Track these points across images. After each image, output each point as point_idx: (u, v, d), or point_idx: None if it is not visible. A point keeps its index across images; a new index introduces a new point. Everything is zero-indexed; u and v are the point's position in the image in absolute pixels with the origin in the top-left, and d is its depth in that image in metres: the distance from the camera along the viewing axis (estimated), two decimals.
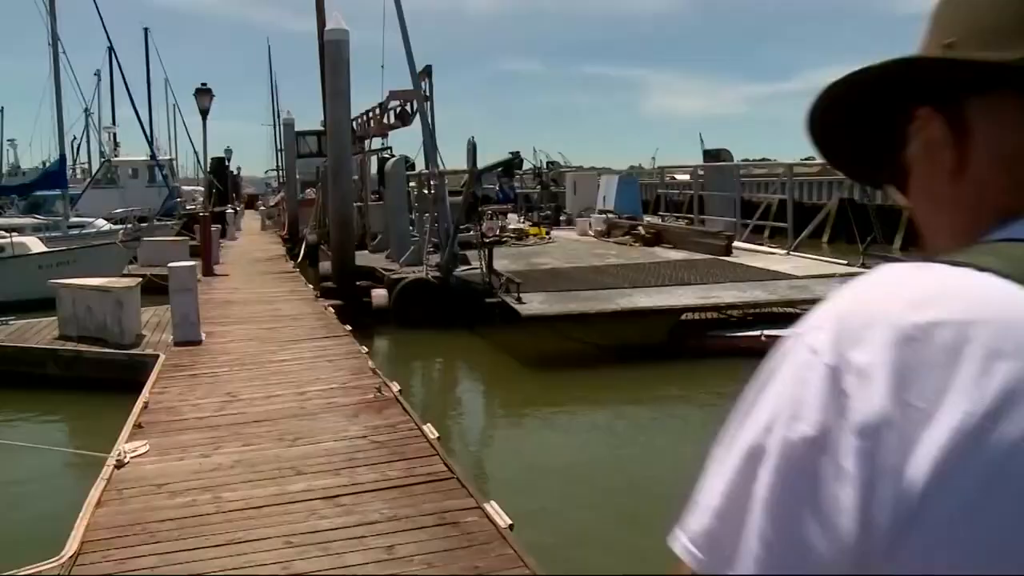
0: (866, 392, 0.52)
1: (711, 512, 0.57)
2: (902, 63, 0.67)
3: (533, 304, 10.59)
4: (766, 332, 10.11)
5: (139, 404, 6.62)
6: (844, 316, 0.56)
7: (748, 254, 14.37)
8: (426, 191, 16.51)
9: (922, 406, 0.51)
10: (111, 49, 34.27)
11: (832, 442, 0.52)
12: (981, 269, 0.56)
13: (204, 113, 18.57)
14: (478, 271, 12.56)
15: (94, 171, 36.59)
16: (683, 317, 10.58)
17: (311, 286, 14.57)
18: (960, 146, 0.65)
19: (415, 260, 14.45)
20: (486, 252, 12.47)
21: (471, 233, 14.15)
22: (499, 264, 12.68)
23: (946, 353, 0.52)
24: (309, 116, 62.17)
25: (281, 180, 39.35)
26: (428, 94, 20.33)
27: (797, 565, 0.52)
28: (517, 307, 10.58)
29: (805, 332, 0.57)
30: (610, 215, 19.39)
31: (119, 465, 5.19)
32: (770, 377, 0.58)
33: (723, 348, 10.03)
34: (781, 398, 0.56)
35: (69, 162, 33.29)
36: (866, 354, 0.53)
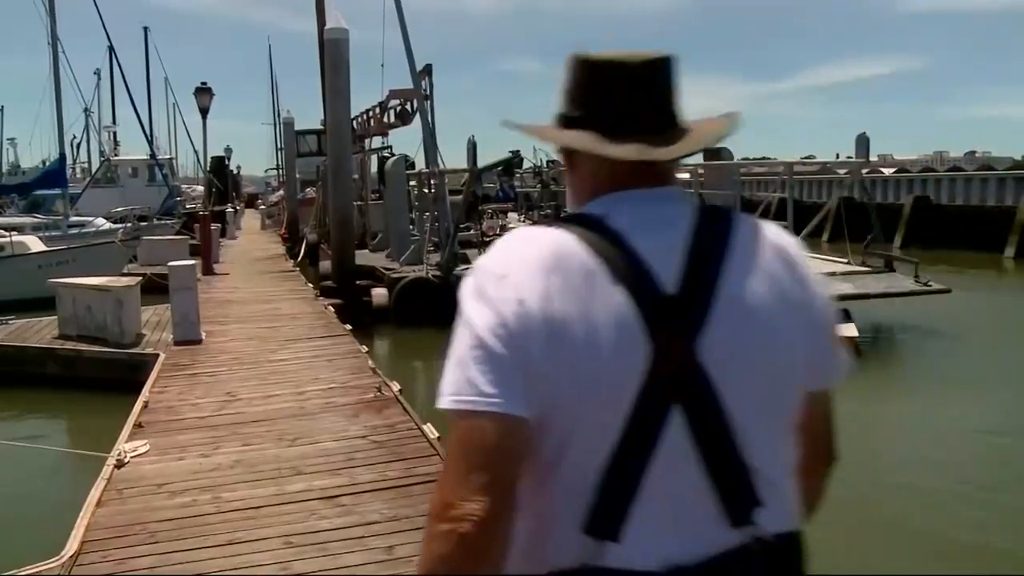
0: (512, 284, 1.04)
1: (448, 371, 1.07)
2: (532, 131, 1.31)
3: None
4: None
5: (139, 403, 6.61)
6: (499, 254, 1.11)
7: None
8: (426, 190, 16.50)
9: (527, 292, 1.03)
10: (111, 48, 34.37)
11: (499, 310, 1.03)
12: (561, 228, 1.10)
13: (204, 112, 18.55)
14: None
15: (94, 170, 36.56)
16: None
17: (311, 285, 14.57)
18: (571, 167, 1.23)
19: (415, 259, 14.44)
20: (486, 251, 12.45)
21: (471, 232, 14.13)
22: None
23: (532, 267, 1.05)
24: (309, 115, 62.17)
25: (281, 179, 39.33)
26: (428, 93, 20.34)
27: (500, 370, 1.02)
28: None
29: (484, 265, 1.10)
30: None
31: (119, 465, 5.18)
32: (471, 291, 1.08)
33: None
34: (475, 293, 1.07)
35: (69, 161, 33.26)
36: (509, 270, 1.06)
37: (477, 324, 1.04)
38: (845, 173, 21.43)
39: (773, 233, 1.17)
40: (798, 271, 1.14)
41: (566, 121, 1.19)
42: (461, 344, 1.06)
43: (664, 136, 1.14)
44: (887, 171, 32.78)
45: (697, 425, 1.04)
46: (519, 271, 1.05)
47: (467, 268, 13.38)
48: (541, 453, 1.05)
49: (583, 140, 1.14)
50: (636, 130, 1.13)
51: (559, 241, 1.08)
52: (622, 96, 1.15)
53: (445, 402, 1.05)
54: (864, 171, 17.36)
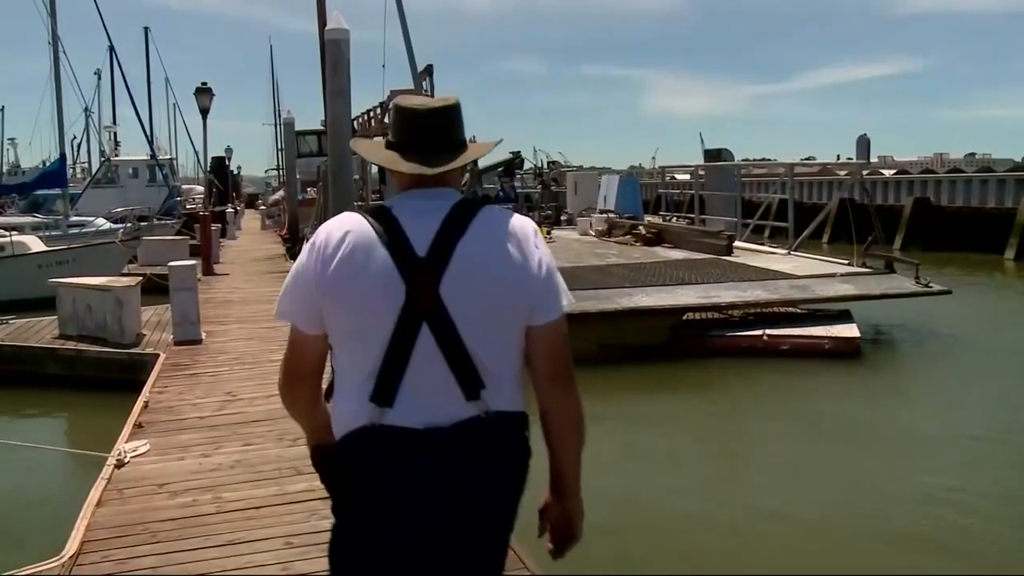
0: (318, 250, 1.76)
1: (281, 291, 1.88)
2: (360, 150, 2.29)
3: None
4: (768, 332, 10.09)
5: (139, 403, 6.61)
6: (320, 229, 1.80)
7: (749, 254, 14.36)
8: None
9: (326, 255, 1.75)
10: (111, 48, 34.42)
11: (313, 261, 1.77)
12: (361, 214, 1.78)
13: (204, 112, 18.53)
14: None
15: (94, 170, 36.53)
16: (684, 317, 10.55)
17: None
18: (388, 173, 1.89)
19: None
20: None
21: None
22: None
23: (335, 238, 1.74)
24: (310, 115, 62.12)
25: (281, 179, 39.28)
26: (429, 93, 20.28)
27: (300, 301, 1.82)
28: None
29: (312, 235, 1.82)
30: (611, 215, 19.37)
31: (119, 465, 5.18)
32: (303, 250, 1.85)
33: (724, 348, 10.02)
34: (303, 252, 1.82)
35: (69, 161, 33.26)
36: (321, 240, 1.77)
37: (295, 272, 1.81)
38: (845, 175, 21.44)
39: (509, 219, 1.77)
40: (521, 242, 1.73)
41: (387, 144, 1.84)
42: (288, 279, 1.84)
43: (438, 156, 1.77)
44: (887, 172, 32.78)
45: (439, 335, 1.68)
46: (325, 241, 1.74)
47: None
48: (344, 355, 1.77)
49: (386, 158, 1.81)
50: (418, 152, 1.77)
51: (355, 222, 1.75)
52: (411, 130, 1.80)
53: (276, 308, 1.87)
54: (864, 173, 17.33)
